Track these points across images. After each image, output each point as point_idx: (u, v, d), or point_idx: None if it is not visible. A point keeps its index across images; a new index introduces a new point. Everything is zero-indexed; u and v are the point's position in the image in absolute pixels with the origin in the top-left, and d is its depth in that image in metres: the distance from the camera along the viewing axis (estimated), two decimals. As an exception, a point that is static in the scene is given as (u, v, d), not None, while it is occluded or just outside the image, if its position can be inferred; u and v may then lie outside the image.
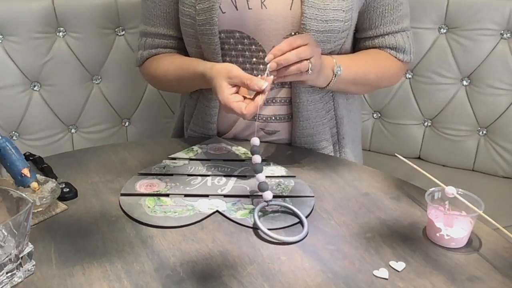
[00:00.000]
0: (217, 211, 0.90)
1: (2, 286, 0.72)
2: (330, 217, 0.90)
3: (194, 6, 1.07)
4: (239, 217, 0.89)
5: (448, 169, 1.56)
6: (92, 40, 1.48)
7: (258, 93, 0.93)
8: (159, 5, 1.14)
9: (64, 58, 1.47)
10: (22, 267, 0.74)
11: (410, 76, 1.56)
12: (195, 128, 1.21)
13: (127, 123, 1.61)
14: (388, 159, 1.62)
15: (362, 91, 1.30)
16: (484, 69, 1.47)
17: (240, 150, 1.11)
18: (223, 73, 0.96)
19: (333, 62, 1.06)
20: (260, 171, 0.93)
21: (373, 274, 0.77)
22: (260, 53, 1.09)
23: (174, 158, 1.07)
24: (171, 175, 1.00)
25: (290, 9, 1.05)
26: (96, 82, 1.53)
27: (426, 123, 1.58)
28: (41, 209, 0.88)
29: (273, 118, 1.15)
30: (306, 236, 0.84)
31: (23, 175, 0.86)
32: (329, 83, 1.07)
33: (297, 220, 0.88)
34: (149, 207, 0.90)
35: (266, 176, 0.99)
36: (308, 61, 0.94)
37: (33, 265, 0.76)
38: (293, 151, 1.14)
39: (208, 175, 1.01)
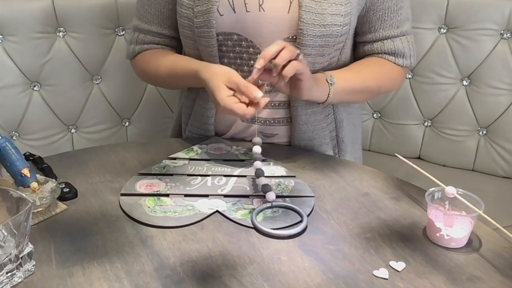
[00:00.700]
0: (217, 211, 0.90)
1: (2, 286, 0.72)
2: (330, 217, 0.90)
3: (192, 8, 1.07)
4: (239, 217, 0.89)
5: (448, 169, 1.56)
6: (92, 40, 1.48)
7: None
8: (154, 3, 1.15)
9: (64, 58, 1.47)
10: (22, 267, 0.74)
11: (410, 76, 1.56)
12: (192, 129, 1.21)
13: (127, 123, 1.61)
14: (388, 159, 1.62)
15: (363, 99, 1.30)
16: (484, 69, 1.47)
17: (240, 150, 1.11)
18: (223, 76, 0.96)
19: (324, 74, 1.06)
20: (262, 175, 0.94)
21: (373, 274, 0.77)
22: (258, 56, 1.09)
23: (174, 158, 1.07)
24: (171, 175, 1.00)
25: (288, 12, 1.05)
26: (96, 82, 1.53)
27: (426, 123, 1.59)
28: (41, 209, 0.88)
29: (271, 121, 1.14)
30: (305, 228, 0.85)
31: (23, 175, 0.86)
32: (328, 96, 1.06)
33: (297, 220, 0.88)
34: (149, 207, 0.90)
35: (266, 176, 0.99)
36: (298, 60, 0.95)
37: (33, 265, 0.76)
38: (293, 151, 1.14)
39: (208, 175, 1.01)
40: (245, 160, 1.07)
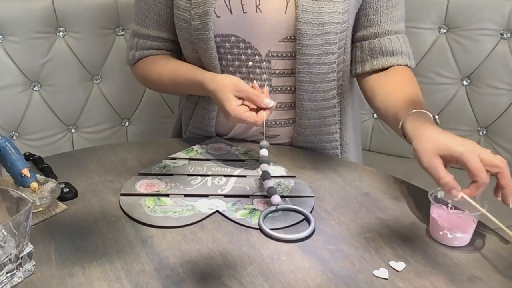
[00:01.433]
0: (217, 211, 0.90)
1: (2, 286, 0.72)
2: (330, 217, 0.90)
3: (189, 11, 1.06)
4: (239, 217, 0.89)
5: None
6: (92, 40, 1.48)
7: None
8: (152, 7, 1.13)
9: (64, 58, 1.47)
10: (22, 267, 0.74)
11: (410, 76, 1.56)
12: (193, 130, 1.21)
13: (127, 123, 1.61)
14: (388, 159, 1.62)
15: None
16: (484, 69, 1.47)
17: (240, 150, 1.11)
18: (230, 87, 0.97)
19: (431, 119, 0.95)
20: (268, 177, 0.93)
21: (373, 274, 0.77)
22: (256, 57, 1.09)
23: (174, 158, 1.07)
24: (171, 175, 1.00)
25: (285, 12, 1.05)
26: (96, 82, 1.53)
27: (426, 123, 1.58)
28: (41, 209, 0.88)
29: (273, 122, 1.14)
30: (313, 232, 0.84)
31: (23, 175, 0.86)
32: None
33: (298, 219, 0.88)
34: (149, 207, 0.90)
35: (273, 176, 0.99)
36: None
37: (33, 265, 0.76)
38: (293, 151, 1.14)
39: (208, 175, 1.01)
40: (245, 160, 1.07)
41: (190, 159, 1.07)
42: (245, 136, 1.17)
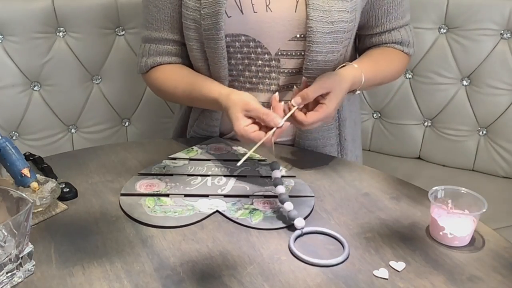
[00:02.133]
0: (217, 211, 0.90)
1: (2, 286, 0.72)
2: (330, 217, 0.90)
3: (199, 11, 1.06)
4: (239, 217, 0.89)
5: (448, 169, 1.56)
6: (92, 40, 1.48)
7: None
8: (163, 9, 1.12)
9: (64, 58, 1.47)
10: (22, 267, 0.74)
11: (410, 76, 1.56)
12: (198, 131, 1.21)
13: (127, 123, 1.61)
14: (388, 159, 1.62)
15: (375, 87, 1.32)
16: (484, 69, 1.47)
17: (240, 150, 1.11)
18: (240, 105, 0.96)
19: (351, 78, 1.06)
20: (287, 201, 0.89)
21: (373, 274, 0.77)
22: (266, 56, 1.09)
23: (174, 158, 1.07)
24: (171, 175, 1.00)
25: (295, 11, 1.05)
26: (96, 82, 1.53)
27: (426, 123, 1.59)
28: (41, 209, 0.88)
29: None
30: (347, 258, 0.80)
31: (23, 175, 0.86)
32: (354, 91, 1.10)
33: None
34: (149, 207, 0.90)
35: (266, 176, 0.99)
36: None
37: (33, 265, 0.76)
38: (293, 151, 1.14)
39: (208, 175, 1.01)
40: (245, 160, 1.07)
41: (190, 159, 1.07)
42: None
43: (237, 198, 0.94)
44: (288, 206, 0.87)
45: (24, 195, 0.75)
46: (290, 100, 0.98)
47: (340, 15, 1.05)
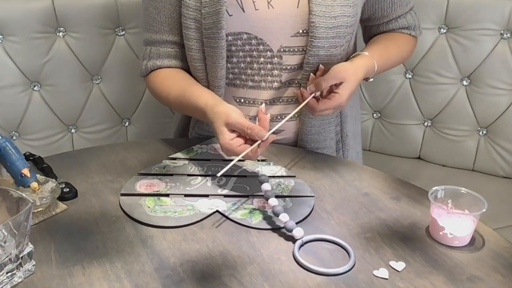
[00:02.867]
0: (217, 211, 0.90)
1: (2, 286, 0.72)
2: (330, 217, 0.90)
3: (199, 10, 1.06)
4: (239, 217, 0.89)
5: (448, 169, 1.56)
6: (92, 40, 1.48)
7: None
8: (163, 10, 1.11)
9: (64, 58, 1.47)
10: (22, 267, 0.74)
11: (410, 76, 1.56)
12: (200, 132, 1.21)
13: (127, 123, 1.61)
14: (388, 159, 1.62)
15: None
16: (484, 69, 1.47)
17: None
18: (223, 119, 0.93)
19: (372, 66, 1.10)
20: (281, 212, 0.86)
21: (373, 274, 0.77)
22: (268, 53, 1.09)
23: (174, 158, 1.07)
24: (171, 175, 1.00)
25: (297, 7, 1.06)
26: (96, 82, 1.53)
27: (426, 123, 1.59)
28: (41, 209, 0.88)
29: (279, 117, 1.14)
30: (354, 266, 0.79)
31: (23, 175, 0.86)
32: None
33: (299, 218, 0.87)
34: (149, 207, 0.90)
35: (261, 174, 0.99)
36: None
37: (33, 265, 0.76)
38: (293, 151, 1.14)
39: (208, 175, 1.01)
40: (245, 160, 1.07)
41: (190, 159, 1.07)
42: None
43: (237, 198, 0.94)
44: (284, 217, 0.85)
45: (24, 195, 0.75)
46: (305, 87, 1.03)
47: (342, 9, 1.05)
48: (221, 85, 1.11)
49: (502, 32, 1.44)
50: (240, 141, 0.93)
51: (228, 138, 0.92)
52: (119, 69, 1.52)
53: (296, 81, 1.13)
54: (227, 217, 0.89)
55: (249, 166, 1.04)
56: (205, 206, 0.91)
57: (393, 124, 1.62)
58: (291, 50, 1.09)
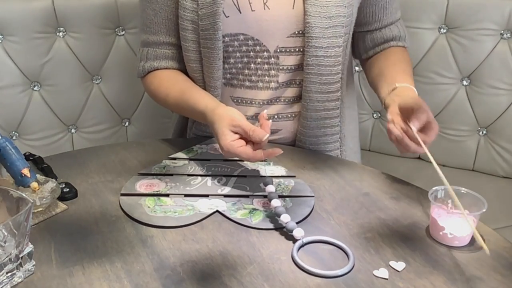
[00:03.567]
0: (217, 211, 0.90)
1: (2, 286, 0.72)
2: (330, 217, 0.90)
3: (196, 11, 1.06)
4: (239, 217, 0.89)
5: (448, 169, 1.56)
6: (92, 40, 1.48)
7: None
8: (160, 12, 1.11)
9: (64, 58, 1.47)
10: (22, 267, 0.74)
11: (410, 76, 1.56)
12: (197, 132, 1.21)
13: (127, 123, 1.61)
14: (388, 159, 1.62)
15: None
16: (484, 69, 1.47)
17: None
18: (227, 121, 0.94)
19: (411, 90, 1.06)
20: (283, 213, 0.87)
21: (373, 274, 0.77)
22: (265, 53, 1.09)
23: (174, 158, 1.07)
24: (171, 175, 1.00)
25: (293, 8, 1.06)
26: (96, 82, 1.53)
27: (426, 123, 1.58)
28: (41, 209, 0.88)
29: (276, 116, 1.15)
30: (353, 268, 0.78)
31: (23, 175, 0.86)
32: None
33: (299, 218, 0.87)
34: (149, 207, 0.90)
35: (265, 176, 0.99)
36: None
37: (33, 265, 0.76)
38: (293, 151, 1.14)
39: (208, 175, 1.01)
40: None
41: (190, 159, 1.07)
42: None
43: (237, 198, 0.94)
44: (285, 218, 0.85)
45: (24, 195, 0.75)
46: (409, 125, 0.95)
47: (338, 10, 1.05)
48: (217, 85, 1.11)
49: (502, 32, 1.44)
50: (242, 142, 0.94)
51: (229, 139, 0.93)
52: (119, 69, 1.52)
53: (294, 82, 1.13)
54: (227, 217, 0.89)
55: (249, 166, 1.04)
56: (205, 206, 0.91)
57: (393, 124, 1.62)
58: (288, 50, 1.09)
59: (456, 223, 0.82)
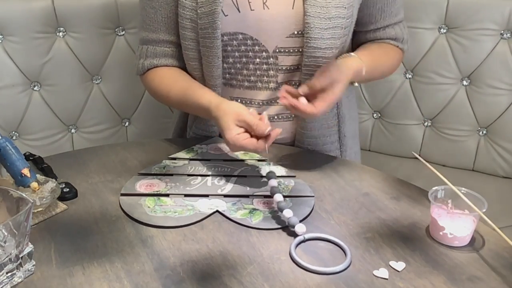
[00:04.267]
0: (217, 211, 0.90)
1: (2, 286, 0.72)
2: (330, 217, 0.90)
3: (195, 10, 1.06)
4: (239, 217, 0.89)
5: (448, 169, 1.56)
6: (92, 40, 1.48)
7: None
8: (160, 10, 1.12)
9: (64, 58, 1.47)
10: (22, 267, 0.74)
11: (410, 76, 1.56)
12: (197, 131, 1.21)
13: (127, 123, 1.61)
14: (388, 159, 1.62)
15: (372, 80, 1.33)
16: (484, 69, 1.47)
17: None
18: (233, 116, 0.96)
19: (360, 69, 1.07)
20: (286, 208, 0.88)
21: (373, 274, 0.77)
22: (263, 53, 1.09)
23: (174, 158, 1.07)
24: (171, 175, 1.00)
25: (292, 8, 1.06)
26: (96, 82, 1.53)
27: (426, 123, 1.59)
28: (41, 209, 0.88)
29: (275, 117, 1.15)
30: (349, 265, 0.79)
31: (23, 175, 0.86)
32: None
33: (301, 217, 0.87)
34: (149, 207, 0.90)
35: (265, 176, 0.99)
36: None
37: (33, 265, 0.76)
38: (293, 151, 1.14)
39: (208, 175, 1.01)
40: (245, 160, 1.07)
41: (190, 159, 1.07)
42: None
43: (237, 198, 0.94)
44: (287, 213, 0.86)
45: (24, 195, 0.75)
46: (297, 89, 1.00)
47: (337, 11, 1.05)
48: (217, 84, 1.11)
49: (502, 32, 1.44)
50: (246, 135, 0.95)
51: (235, 132, 0.95)
52: (119, 69, 1.52)
53: (293, 82, 1.13)
54: (227, 217, 0.89)
55: (249, 166, 1.04)
56: (205, 206, 0.91)
57: (393, 124, 1.62)
58: (287, 51, 1.09)
59: (456, 223, 0.82)
